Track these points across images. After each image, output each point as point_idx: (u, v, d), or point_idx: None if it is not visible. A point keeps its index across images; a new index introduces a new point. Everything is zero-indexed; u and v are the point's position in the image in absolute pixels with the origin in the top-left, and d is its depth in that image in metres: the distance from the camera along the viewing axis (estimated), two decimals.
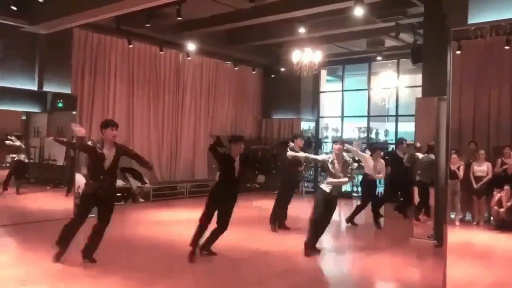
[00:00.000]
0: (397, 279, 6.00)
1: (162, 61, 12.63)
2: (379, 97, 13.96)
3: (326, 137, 15.14)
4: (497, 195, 9.00)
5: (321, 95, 15.46)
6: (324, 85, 15.67)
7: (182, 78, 13.24)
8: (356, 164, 7.52)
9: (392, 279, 6.02)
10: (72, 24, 9.03)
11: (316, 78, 14.79)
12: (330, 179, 6.56)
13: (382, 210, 9.83)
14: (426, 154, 8.51)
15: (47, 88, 9.34)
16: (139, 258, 6.47)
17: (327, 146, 14.97)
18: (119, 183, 11.25)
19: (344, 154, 6.72)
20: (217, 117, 14.32)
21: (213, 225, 6.36)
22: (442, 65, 8.20)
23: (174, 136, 13.20)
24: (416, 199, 8.65)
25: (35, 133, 9.98)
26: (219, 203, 6.31)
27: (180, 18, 9.46)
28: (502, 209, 8.85)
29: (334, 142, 7.06)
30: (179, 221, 9.27)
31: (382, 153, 9.60)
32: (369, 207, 9.39)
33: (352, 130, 14.64)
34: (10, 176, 9.39)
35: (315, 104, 15.31)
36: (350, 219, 9.26)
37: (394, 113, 14.13)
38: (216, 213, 6.33)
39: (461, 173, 9.07)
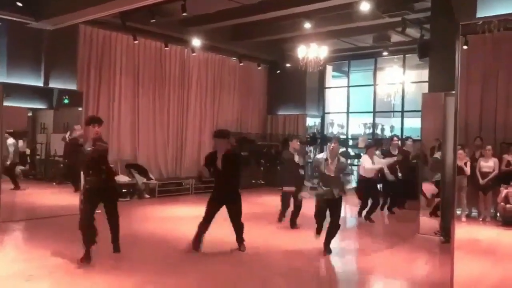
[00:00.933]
0: (403, 275, 5.98)
1: (167, 57, 12.62)
2: (385, 93, 13.91)
3: (332, 133, 15.10)
4: (503, 191, 8.96)
5: (327, 91, 15.41)
6: (329, 81, 15.63)
7: (187, 74, 13.24)
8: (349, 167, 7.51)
9: (399, 275, 5.99)
10: (78, 20, 9.04)
11: (322, 74, 14.74)
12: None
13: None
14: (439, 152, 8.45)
15: (53, 84, 9.36)
16: (144, 253, 6.48)
17: None
18: (125, 179, 11.35)
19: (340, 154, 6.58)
20: (222, 113, 14.30)
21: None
22: (449, 60, 8.14)
23: (180, 132, 13.21)
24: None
25: (41, 129, 10.00)
26: (214, 205, 6.34)
27: (185, 14, 9.44)
28: (508, 205, 8.80)
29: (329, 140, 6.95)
30: (185, 217, 9.26)
31: (376, 151, 9.54)
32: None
33: (358, 126, 14.61)
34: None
35: (320, 100, 15.27)
36: (367, 216, 9.23)
37: (400, 109, 14.07)
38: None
39: (468, 169, 9.03)
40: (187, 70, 13.22)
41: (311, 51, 10.63)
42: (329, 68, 15.29)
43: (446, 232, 7.43)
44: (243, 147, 14.20)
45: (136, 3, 7.91)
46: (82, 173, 9.57)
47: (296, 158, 7.96)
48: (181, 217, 9.27)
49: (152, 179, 11.75)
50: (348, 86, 14.98)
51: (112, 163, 11.06)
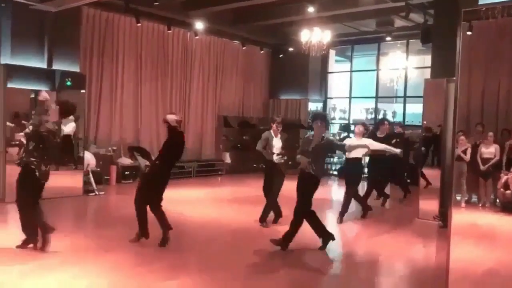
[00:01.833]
0: (401, 259, 6.09)
1: (170, 40, 12.60)
2: (388, 78, 13.90)
3: (334, 118, 15.13)
4: (504, 177, 9.02)
5: (329, 75, 15.39)
6: (332, 66, 15.59)
7: (190, 57, 13.22)
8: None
9: (397, 258, 6.10)
10: (81, 2, 9.01)
11: (325, 58, 14.69)
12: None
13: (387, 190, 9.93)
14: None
15: (56, 66, 9.37)
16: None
17: (335, 128, 14.99)
18: (127, 161, 11.42)
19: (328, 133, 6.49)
20: (224, 97, 14.32)
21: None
22: (451, 46, 8.09)
23: (182, 115, 13.24)
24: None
25: (45, 110, 10.02)
26: None
27: None
28: (508, 191, 8.87)
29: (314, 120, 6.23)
30: (187, 200, 9.39)
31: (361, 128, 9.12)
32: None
33: (360, 111, 14.63)
34: None
35: (323, 85, 15.26)
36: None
37: (402, 94, 14.07)
38: None
39: (468, 156, 9.08)
40: (190, 53, 13.20)
41: (314, 36, 10.59)
42: (332, 53, 15.23)
43: (444, 217, 7.52)
44: (244, 131, 14.27)
45: None
46: (90, 153, 9.73)
47: (274, 141, 7.49)
48: (183, 200, 9.38)
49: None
50: (351, 71, 14.96)
51: (115, 145, 11.28)
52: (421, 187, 8.66)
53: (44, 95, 8.97)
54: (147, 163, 11.47)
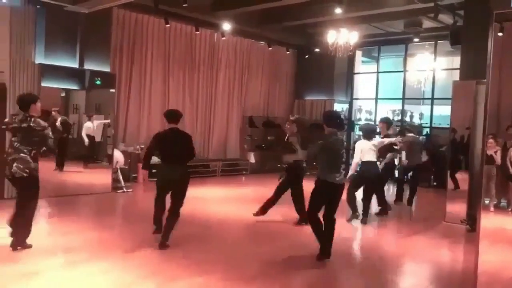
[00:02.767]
0: (429, 262, 6.04)
1: (197, 41, 12.75)
2: (415, 80, 13.73)
3: (359, 119, 15.04)
4: None
5: (356, 76, 15.31)
6: (359, 66, 15.49)
7: (217, 57, 13.36)
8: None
9: (424, 261, 6.06)
10: (112, 3, 9.22)
11: (351, 59, 14.62)
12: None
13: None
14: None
15: (87, 66, 9.62)
16: (173, 231, 6.67)
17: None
18: (155, 159, 11.61)
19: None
20: (250, 97, 14.41)
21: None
22: (481, 48, 8.00)
23: (208, 115, 13.40)
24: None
25: (74, 109, 10.31)
26: None
27: None
28: None
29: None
30: (212, 199, 9.52)
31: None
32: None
33: (386, 112, 14.48)
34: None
35: (349, 86, 15.18)
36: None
37: (430, 96, 13.89)
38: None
39: (498, 158, 8.92)
40: (216, 54, 13.34)
41: (341, 36, 10.56)
42: (358, 54, 15.13)
43: (472, 221, 7.43)
44: (269, 132, 14.32)
45: None
46: (119, 151, 9.94)
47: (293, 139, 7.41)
48: (209, 198, 9.52)
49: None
50: (378, 72, 14.84)
51: (143, 143, 11.49)
52: (449, 190, 8.55)
53: None
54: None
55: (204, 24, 12.38)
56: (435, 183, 12.71)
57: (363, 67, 16.01)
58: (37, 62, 8.75)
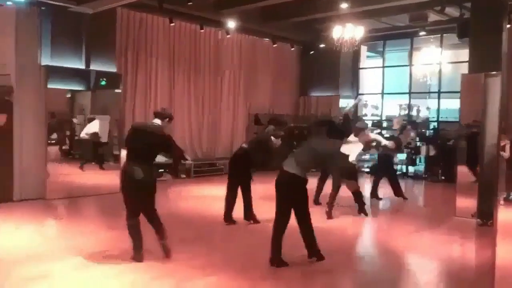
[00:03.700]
0: (439, 256, 5.99)
1: (202, 39, 12.72)
2: (421, 73, 13.68)
3: (365, 115, 14.98)
4: None
5: (361, 71, 15.23)
6: (364, 61, 15.42)
7: (221, 56, 13.32)
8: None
9: (434, 256, 6.01)
10: (117, 3, 9.20)
11: (356, 54, 14.55)
12: None
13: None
14: None
15: (93, 67, 9.60)
16: (181, 230, 6.61)
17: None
18: (162, 158, 11.60)
19: None
20: (256, 95, 14.36)
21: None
22: (490, 40, 7.98)
23: (214, 114, 13.38)
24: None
25: (80, 110, 10.32)
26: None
27: None
28: None
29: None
30: (220, 197, 9.47)
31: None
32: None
33: (393, 107, 14.42)
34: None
35: (354, 81, 15.12)
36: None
37: (436, 90, 13.81)
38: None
39: (507, 151, 8.86)
40: (221, 52, 13.30)
41: (346, 32, 10.49)
42: (363, 48, 15.06)
43: (483, 215, 7.38)
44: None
45: None
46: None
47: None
48: (215, 196, 9.48)
49: (188, 160, 11.96)
50: (383, 67, 14.77)
51: None
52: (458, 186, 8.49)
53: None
54: (184, 160, 11.78)
55: (208, 22, 12.34)
56: (443, 177, 12.65)
57: (368, 62, 15.93)
58: (43, 64, 8.73)
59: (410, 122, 13.62)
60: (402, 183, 11.33)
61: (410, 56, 14.11)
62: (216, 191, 10.20)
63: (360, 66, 15.19)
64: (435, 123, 13.72)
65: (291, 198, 5.24)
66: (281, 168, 5.32)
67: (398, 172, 13.66)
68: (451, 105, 13.40)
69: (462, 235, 7.01)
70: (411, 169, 13.66)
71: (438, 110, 13.73)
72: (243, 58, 13.85)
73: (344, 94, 14.79)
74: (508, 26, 8.69)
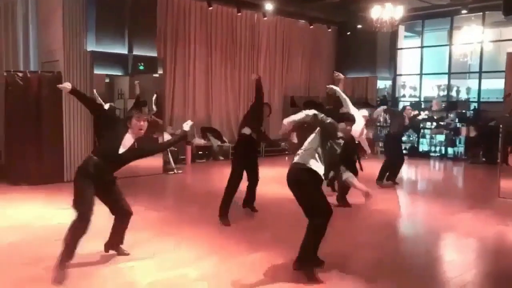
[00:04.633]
0: (481, 237, 5.96)
1: (238, 22, 12.80)
2: (461, 53, 13.36)
3: (403, 96, 14.78)
4: None
5: (399, 52, 14.99)
6: (401, 42, 15.16)
7: (257, 38, 13.38)
8: None
9: (477, 236, 5.98)
10: None
11: (394, 35, 14.31)
12: None
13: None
14: None
15: (135, 52, 9.82)
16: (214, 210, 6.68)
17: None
18: (201, 141, 11.86)
19: None
20: (291, 77, 14.39)
21: None
22: None
23: (250, 96, 13.48)
24: None
25: (119, 95, 10.56)
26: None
27: None
28: None
29: None
30: (261, 180, 9.61)
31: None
32: None
33: (431, 88, 14.17)
34: None
35: (392, 62, 14.91)
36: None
37: (477, 70, 13.47)
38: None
39: None
40: (257, 34, 13.36)
41: (385, 12, 10.35)
42: (401, 29, 14.79)
43: None
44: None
45: None
46: (168, 134, 10.19)
47: None
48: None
49: (226, 142, 12.20)
50: (422, 47, 14.49)
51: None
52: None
53: None
54: (219, 143, 12.01)
55: (245, 5, 12.39)
56: (484, 159, 12.43)
57: (406, 42, 15.64)
58: (89, 49, 9.00)
59: (449, 103, 13.40)
60: (442, 164, 11.23)
61: (450, 35, 13.77)
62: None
63: (398, 47, 14.94)
64: (476, 104, 13.43)
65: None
66: None
67: (436, 154, 13.56)
68: (492, 85, 13.07)
69: (506, 216, 6.93)
70: (450, 150, 13.46)
71: (479, 90, 13.41)
72: (278, 40, 13.86)
73: (381, 76, 14.62)
74: None
